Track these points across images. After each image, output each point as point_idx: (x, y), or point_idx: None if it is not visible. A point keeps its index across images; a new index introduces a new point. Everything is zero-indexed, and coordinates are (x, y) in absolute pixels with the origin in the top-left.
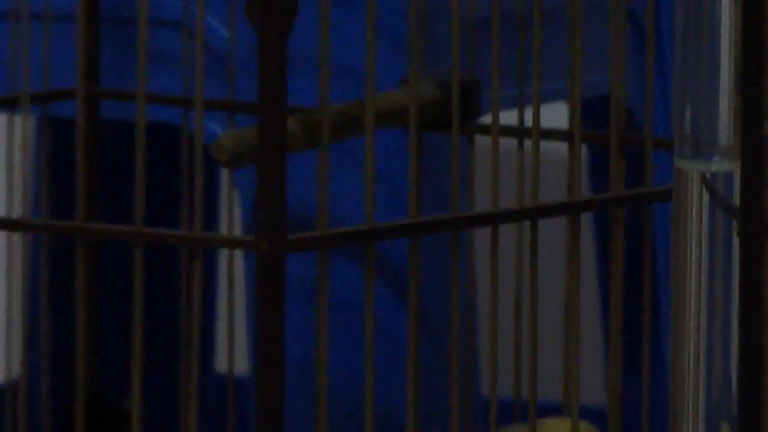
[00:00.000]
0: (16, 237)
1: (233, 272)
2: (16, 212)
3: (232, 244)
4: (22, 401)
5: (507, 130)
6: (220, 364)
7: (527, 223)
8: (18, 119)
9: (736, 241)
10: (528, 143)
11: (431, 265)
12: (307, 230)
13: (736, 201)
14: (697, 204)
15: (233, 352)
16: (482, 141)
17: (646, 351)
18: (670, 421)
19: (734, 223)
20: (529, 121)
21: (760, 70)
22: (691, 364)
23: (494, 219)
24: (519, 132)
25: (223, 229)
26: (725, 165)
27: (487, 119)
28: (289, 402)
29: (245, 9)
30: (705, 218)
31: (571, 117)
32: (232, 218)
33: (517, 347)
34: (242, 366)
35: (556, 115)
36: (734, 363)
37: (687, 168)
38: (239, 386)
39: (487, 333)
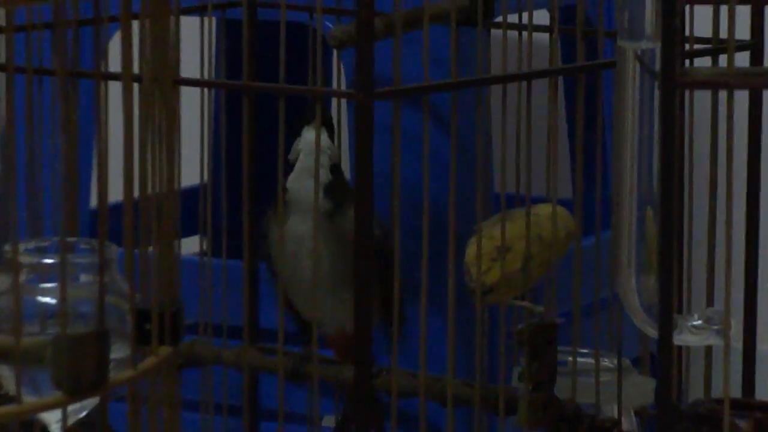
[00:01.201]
0: (205, 91)
1: (340, 114)
2: (205, 76)
3: (341, 95)
4: (209, 198)
5: (511, 26)
6: None
7: (524, 84)
8: (205, 20)
9: (656, 94)
10: (524, 34)
11: (464, 110)
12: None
13: (657, 68)
14: (632, 70)
15: (340, 155)
16: (495, 33)
17: (598, 160)
18: (613, 207)
19: (656, 83)
20: (525, 19)
21: None
22: (628, 168)
23: (504, 79)
24: (519, 27)
25: (334, 86)
26: (650, 44)
27: (498, 19)
28: (377, 197)
29: None
30: (637, 80)
31: (551, 17)
32: (339, 81)
33: (517, 159)
34: (347, 172)
35: (541, 17)
36: (655, 168)
37: (626, 46)
38: None
39: (499, 151)
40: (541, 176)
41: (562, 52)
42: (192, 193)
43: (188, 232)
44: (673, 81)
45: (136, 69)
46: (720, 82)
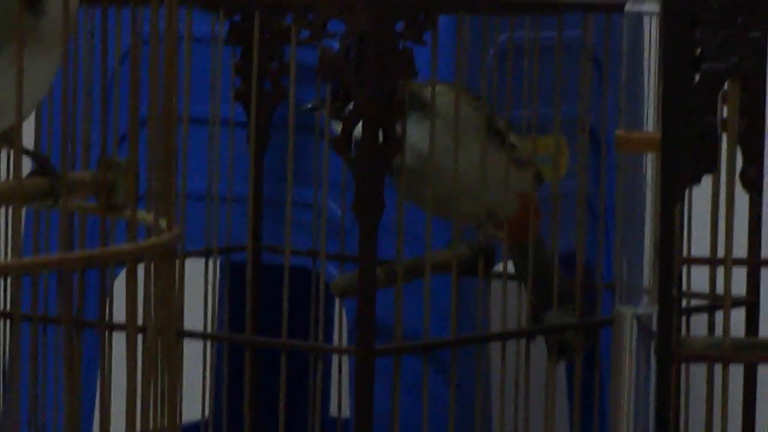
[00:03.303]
0: (208, 344)
1: (341, 363)
2: (208, 329)
3: (342, 351)
4: None
5: (510, 276)
6: (333, 410)
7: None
8: (210, 263)
9: (653, 359)
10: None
11: (464, 361)
12: (387, 339)
13: (655, 328)
14: (629, 333)
15: (341, 400)
16: (495, 282)
17: (596, 420)
18: None
19: (653, 342)
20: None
21: (670, 244)
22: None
23: (503, 336)
24: (519, 277)
25: (336, 338)
26: (648, 309)
27: (498, 269)
28: None
29: (352, 205)
30: (634, 343)
31: (549, 273)
32: (341, 331)
33: (516, 415)
34: (347, 411)
35: None
36: None
37: (624, 311)
38: (346, 424)
39: (498, 404)
40: None
41: None
42: (194, 429)
43: None
44: (670, 354)
45: (140, 320)
46: (715, 357)
